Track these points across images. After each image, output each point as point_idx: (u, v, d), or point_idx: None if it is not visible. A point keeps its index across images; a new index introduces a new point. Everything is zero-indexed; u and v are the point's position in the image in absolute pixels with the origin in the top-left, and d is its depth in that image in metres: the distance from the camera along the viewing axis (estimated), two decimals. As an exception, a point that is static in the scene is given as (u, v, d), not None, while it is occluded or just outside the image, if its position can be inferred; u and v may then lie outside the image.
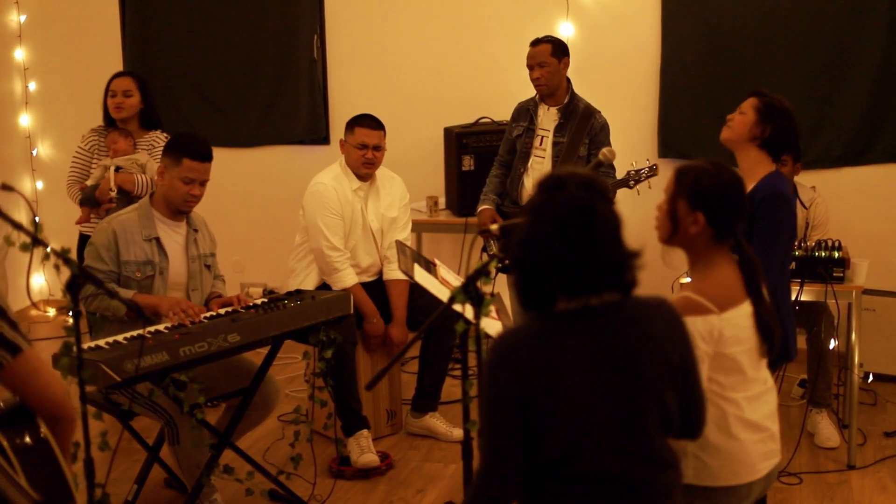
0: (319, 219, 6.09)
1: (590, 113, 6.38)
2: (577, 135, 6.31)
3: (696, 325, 3.34)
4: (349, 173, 6.17)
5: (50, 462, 2.90)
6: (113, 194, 6.20)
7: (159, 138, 6.44)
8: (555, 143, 6.47)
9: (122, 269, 5.05)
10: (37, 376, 2.81)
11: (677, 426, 3.05)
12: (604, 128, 6.41)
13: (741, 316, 3.46)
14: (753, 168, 4.57)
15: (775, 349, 3.59)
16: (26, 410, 2.86)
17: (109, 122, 6.50)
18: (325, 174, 6.21)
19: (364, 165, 6.12)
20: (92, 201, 6.22)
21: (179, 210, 5.25)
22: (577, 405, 2.87)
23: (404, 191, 6.40)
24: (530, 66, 6.51)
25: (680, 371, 3.02)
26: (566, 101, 6.48)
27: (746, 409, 3.50)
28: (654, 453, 2.98)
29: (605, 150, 5.94)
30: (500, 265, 3.25)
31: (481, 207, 6.64)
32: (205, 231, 5.44)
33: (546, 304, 2.92)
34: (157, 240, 5.18)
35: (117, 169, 6.21)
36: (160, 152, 6.26)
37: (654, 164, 6.10)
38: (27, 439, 2.86)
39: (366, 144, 6.10)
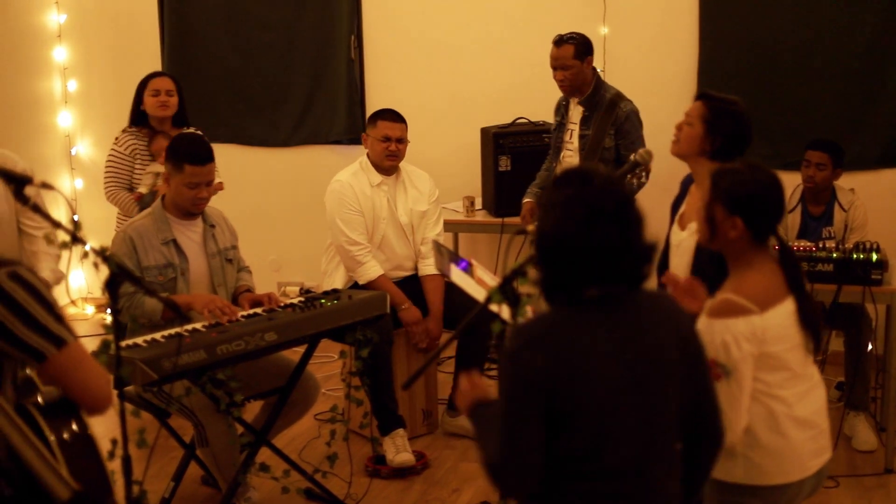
0: (337, 215, 6.13)
1: (614, 102, 6.31)
2: (601, 126, 6.26)
3: (737, 327, 3.33)
4: (369, 169, 6.20)
5: (91, 455, 2.93)
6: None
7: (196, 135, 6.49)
8: (581, 137, 6.45)
9: (144, 276, 5.07)
10: (80, 369, 2.84)
11: (690, 424, 3.03)
12: (629, 117, 6.31)
13: (784, 314, 3.45)
14: (704, 179, 4.49)
15: (822, 344, 3.58)
16: (70, 403, 2.89)
17: (138, 122, 6.53)
18: (344, 172, 6.26)
19: (388, 158, 6.15)
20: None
21: (190, 213, 5.26)
22: (604, 392, 2.86)
23: (432, 186, 6.42)
24: (554, 67, 6.50)
25: (694, 360, 3.03)
26: (589, 93, 6.46)
27: (796, 406, 3.48)
28: (671, 456, 2.98)
29: (641, 150, 5.87)
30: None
31: (524, 200, 6.70)
32: (223, 225, 5.45)
33: (572, 295, 2.91)
34: (174, 241, 5.19)
35: None
36: None
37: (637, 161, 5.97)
38: (70, 432, 2.89)
39: (389, 137, 6.13)
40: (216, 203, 5.51)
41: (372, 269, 6.10)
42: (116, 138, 6.56)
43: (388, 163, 6.17)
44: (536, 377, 2.83)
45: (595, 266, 2.85)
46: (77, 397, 2.88)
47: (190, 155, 5.16)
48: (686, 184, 4.64)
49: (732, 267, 3.54)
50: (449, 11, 8.03)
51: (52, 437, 2.82)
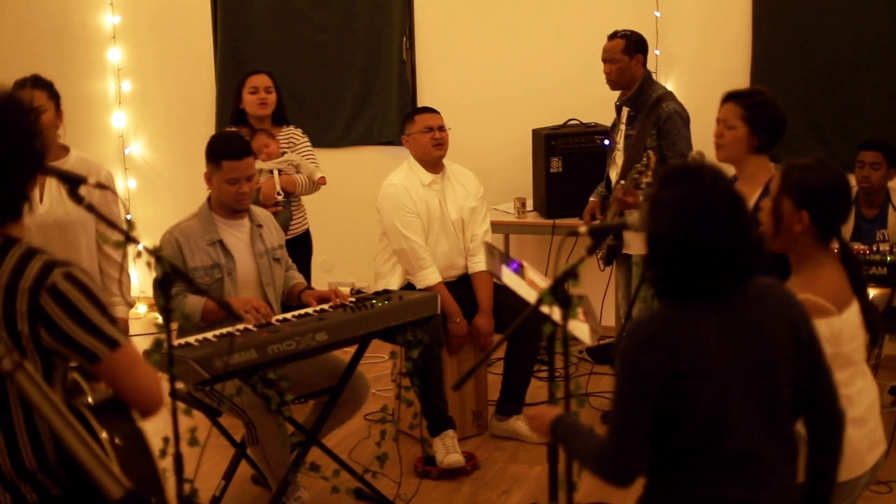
0: (396, 219, 6.12)
1: (657, 102, 6.29)
2: (644, 126, 6.25)
3: (819, 328, 3.32)
4: (418, 168, 6.20)
5: (142, 454, 2.94)
6: (280, 198, 6.29)
7: (296, 134, 6.57)
8: (626, 137, 6.44)
9: (191, 277, 5.08)
10: (132, 371, 2.85)
11: (810, 409, 3.08)
12: (670, 116, 6.27)
13: (855, 314, 3.46)
14: (756, 175, 4.47)
15: (879, 341, 3.58)
16: (120, 403, 2.90)
17: (238, 121, 6.54)
18: (395, 175, 6.25)
19: (435, 147, 6.14)
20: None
21: (235, 210, 5.28)
22: (719, 386, 2.89)
23: (478, 183, 6.41)
24: (603, 60, 6.50)
25: (808, 346, 3.05)
26: (633, 92, 6.45)
27: (857, 404, 3.48)
28: (786, 440, 3.01)
29: (693, 153, 5.88)
30: (601, 258, 3.22)
31: (590, 199, 6.68)
32: (270, 224, 5.47)
33: (685, 293, 2.94)
34: (221, 242, 5.21)
35: (279, 172, 6.29)
36: (303, 147, 6.48)
37: (649, 156, 5.94)
38: (121, 430, 2.90)
39: (430, 126, 6.14)
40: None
41: (432, 276, 6.09)
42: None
43: (436, 152, 6.16)
44: (652, 379, 2.87)
45: (709, 265, 2.88)
46: (129, 399, 2.89)
47: (226, 151, 5.21)
48: None
49: (797, 266, 3.53)
50: (500, 12, 8.03)
51: (103, 435, 2.84)
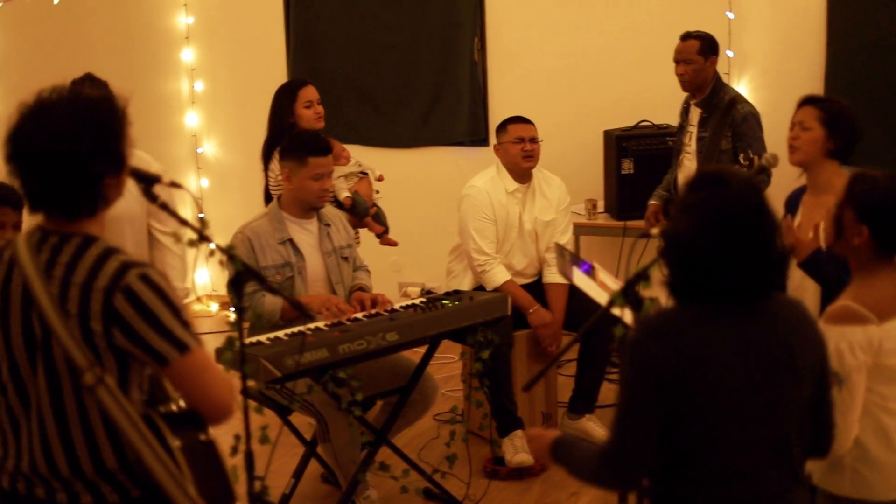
0: (470, 223, 6.12)
1: (732, 104, 6.25)
2: (718, 128, 6.19)
3: (854, 335, 3.28)
4: (505, 176, 6.17)
5: (215, 465, 2.94)
6: (378, 197, 6.36)
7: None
8: (699, 139, 6.41)
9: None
10: (202, 376, 2.85)
11: (808, 437, 2.99)
12: (746, 119, 6.25)
13: None
14: (830, 181, 4.45)
15: None
16: (195, 413, 2.91)
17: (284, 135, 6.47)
18: (480, 177, 6.23)
19: (525, 159, 6.12)
20: (362, 214, 6.18)
21: (314, 207, 5.33)
22: (726, 389, 2.83)
23: (563, 193, 6.36)
24: (676, 61, 6.47)
25: (821, 373, 2.98)
26: (707, 94, 6.40)
27: None
28: (790, 461, 2.93)
29: (767, 154, 5.81)
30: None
31: (650, 202, 6.70)
32: (338, 224, 5.50)
33: (700, 296, 2.89)
34: (291, 241, 5.26)
35: (363, 175, 6.34)
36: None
37: (752, 158, 5.91)
38: (195, 441, 2.90)
39: (522, 137, 6.11)
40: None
41: (499, 275, 6.07)
42: (271, 167, 6.11)
43: (525, 164, 6.14)
44: (655, 367, 2.82)
45: (726, 273, 2.82)
46: (197, 404, 2.88)
47: (312, 148, 5.27)
48: (793, 202, 4.62)
49: (855, 274, 3.48)
50: (572, 13, 8.00)
51: (175, 444, 2.84)
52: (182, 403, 2.94)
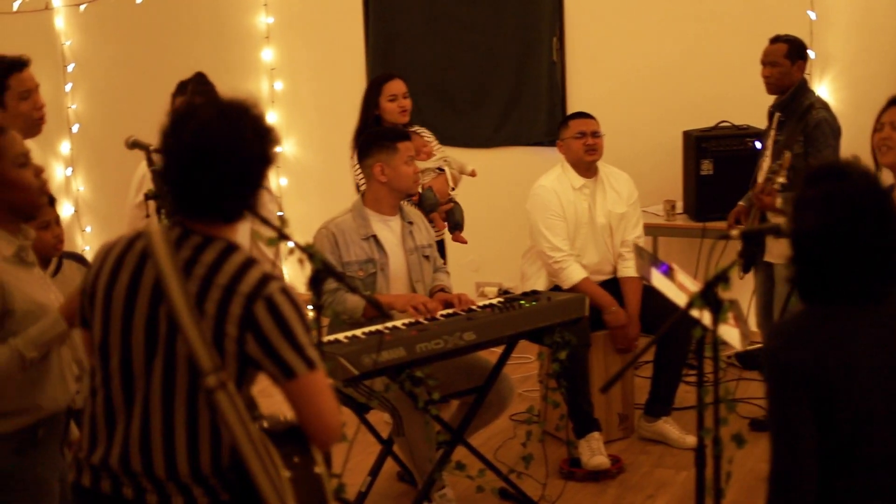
0: (540, 222, 6.12)
1: (808, 109, 6.20)
2: (792, 132, 6.17)
3: None
4: (570, 172, 6.18)
5: (314, 485, 2.94)
6: (454, 193, 6.38)
7: (424, 131, 6.55)
8: (775, 142, 6.36)
9: (345, 271, 5.16)
10: (319, 397, 2.86)
11: None
12: (819, 124, 6.18)
13: None
14: None
15: None
16: (297, 433, 2.91)
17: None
18: (547, 177, 6.24)
19: (588, 153, 6.11)
20: (429, 209, 6.17)
21: (411, 193, 5.52)
22: (868, 384, 2.82)
23: (632, 187, 6.35)
24: (763, 63, 6.43)
25: None
26: (786, 98, 6.35)
27: None
28: None
29: (850, 157, 5.76)
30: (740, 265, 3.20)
31: (739, 203, 6.63)
32: (420, 223, 5.53)
33: (832, 292, 2.87)
34: (375, 237, 5.30)
35: (440, 171, 6.36)
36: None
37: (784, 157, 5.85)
38: (298, 459, 2.90)
39: (584, 132, 6.11)
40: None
41: (575, 273, 6.06)
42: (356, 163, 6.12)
43: (588, 158, 6.14)
44: (799, 374, 2.80)
45: (856, 263, 2.82)
46: (310, 423, 2.88)
47: (397, 134, 5.45)
48: None
49: None
50: (652, 13, 7.97)
51: (278, 460, 2.84)
52: (266, 424, 2.94)
